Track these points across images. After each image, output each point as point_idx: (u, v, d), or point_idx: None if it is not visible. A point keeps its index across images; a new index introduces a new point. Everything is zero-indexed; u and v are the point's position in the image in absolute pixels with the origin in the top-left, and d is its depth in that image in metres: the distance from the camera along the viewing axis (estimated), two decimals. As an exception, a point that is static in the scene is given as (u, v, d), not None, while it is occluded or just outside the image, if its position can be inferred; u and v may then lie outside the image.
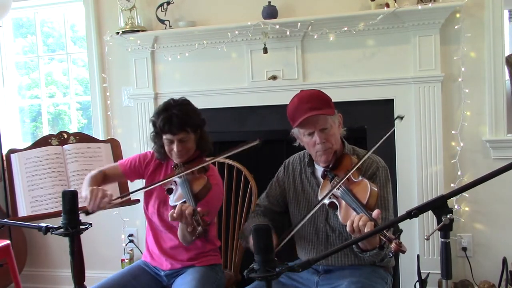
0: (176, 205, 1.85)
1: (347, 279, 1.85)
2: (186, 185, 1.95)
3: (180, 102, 2.10)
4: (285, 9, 2.97)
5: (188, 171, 1.99)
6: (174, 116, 2.01)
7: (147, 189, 2.08)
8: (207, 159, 2.13)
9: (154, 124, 2.10)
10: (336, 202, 1.80)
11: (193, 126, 2.07)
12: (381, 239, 1.56)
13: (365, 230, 1.56)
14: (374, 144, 1.85)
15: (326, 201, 1.81)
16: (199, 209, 1.82)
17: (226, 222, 2.56)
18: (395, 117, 1.91)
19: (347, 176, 1.80)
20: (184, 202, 1.89)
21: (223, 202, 2.50)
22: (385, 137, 1.84)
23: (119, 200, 2.04)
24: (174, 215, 1.81)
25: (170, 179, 2.02)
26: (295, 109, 1.92)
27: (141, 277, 2.18)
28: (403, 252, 1.51)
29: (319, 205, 1.81)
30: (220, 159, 2.00)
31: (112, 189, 2.40)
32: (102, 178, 2.19)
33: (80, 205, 1.57)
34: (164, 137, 2.07)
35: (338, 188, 1.79)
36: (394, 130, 1.89)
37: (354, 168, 1.83)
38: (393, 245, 1.49)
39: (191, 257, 2.17)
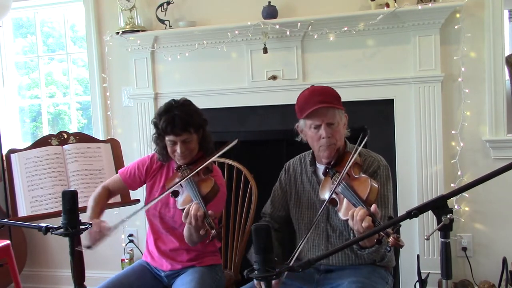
0: (185, 208, 1.83)
1: (347, 279, 1.85)
2: (194, 187, 1.92)
3: (181, 102, 2.08)
4: (285, 9, 2.96)
5: (194, 172, 1.96)
6: (177, 117, 1.99)
7: (158, 198, 2.02)
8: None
9: (156, 126, 2.07)
10: (336, 198, 1.80)
11: (196, 127, 2.05)
12: (379, 233, 1.56)
13: (363, 225, 1.57)
14: (366, 145, 1.87)
15: (327, 197, 1.82)
16: (210, 211, 1.80)
17: (226, 222, 2.55)
18: (364, 132, 1.90)
19: (347, 168, 1.79)
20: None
21: (223, 202, 2.50)
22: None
23: (123, 221, 2.01)
24: (185, 219, 1.81)
25: (179, 183, 1.97)
26: (305, 101, 1.91)
27: (144, 277, 2.18)
28: (401, 246, 1.50)
29: (323, 207, 1.81)
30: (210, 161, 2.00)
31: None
32: (107, 194, 2.20)
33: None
34: (166, 138, 2.05)
35: (339, 184, 1.79)
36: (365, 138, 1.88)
37: (354, 155, 1.82)
38: (390, 239, 1.49)
39: (191, 258, 2.16)
